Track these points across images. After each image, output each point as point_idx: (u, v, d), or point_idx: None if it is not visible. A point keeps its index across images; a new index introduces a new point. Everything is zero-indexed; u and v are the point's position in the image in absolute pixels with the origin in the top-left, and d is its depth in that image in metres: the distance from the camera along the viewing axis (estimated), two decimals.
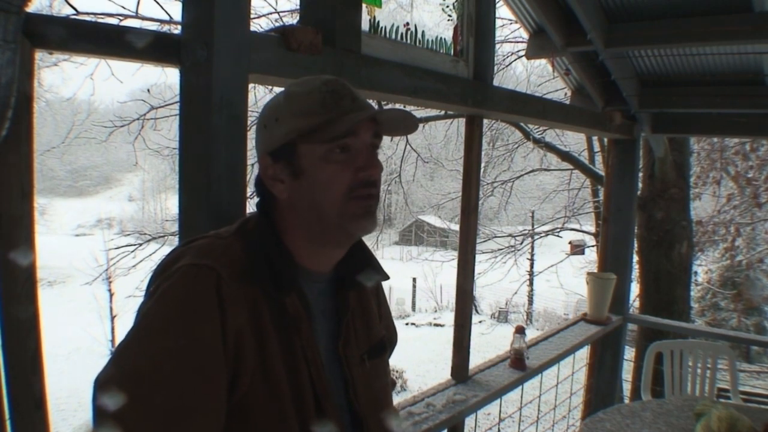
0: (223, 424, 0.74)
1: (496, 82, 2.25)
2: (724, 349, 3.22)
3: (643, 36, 2.45)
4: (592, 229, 8.80)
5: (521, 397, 2.61)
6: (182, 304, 0.75)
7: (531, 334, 2.68)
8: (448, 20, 1.95)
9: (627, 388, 4.65)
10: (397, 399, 1.16)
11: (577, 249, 12.06)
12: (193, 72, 1.15)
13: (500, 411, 2.76)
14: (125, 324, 0.79)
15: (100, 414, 0.69)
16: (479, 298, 16.34)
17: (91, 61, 5.08)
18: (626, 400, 4.54)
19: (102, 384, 0.70)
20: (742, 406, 2.41)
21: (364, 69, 1.55)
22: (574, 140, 8.70)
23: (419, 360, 11.75)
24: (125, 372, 0.71)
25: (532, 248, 14.76)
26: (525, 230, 9.91)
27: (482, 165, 4.07)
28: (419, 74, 1.75)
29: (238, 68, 1.18)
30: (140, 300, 0.80)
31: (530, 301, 17.65)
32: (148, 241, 6.85)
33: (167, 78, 6.61)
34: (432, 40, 1.86)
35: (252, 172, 2.28)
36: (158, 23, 4.80)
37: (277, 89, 0.92)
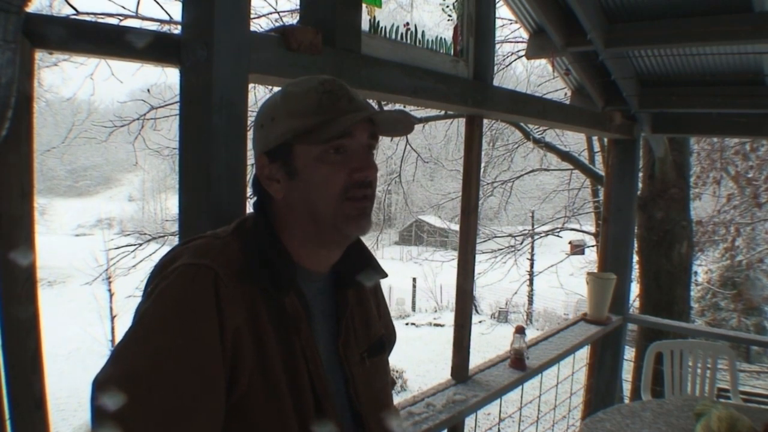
0: (222, 424, 0.74)
1: (496, 82, 2.25)
2: (724, 349, 3.22)
3: (643, 36, 2.45)
4: (592, 229, 8.80)
5: (521, 397, 2.61)
6: (180, 304, 0.75)
7: (531, 334, 2.68)
8: (448, 20, 1.95)
9: (627, 388, 4.65)
10: (397, 399, 1.16)
11: (577, 249, 12.05)
12: (193, 72, 1.15)
13: (500, 411, 2.76)
14: (125, 324, 0.79)
15: (99, 414, 0.69)
16: (479, 298, 16.34)
17: (91, 61, 5.08)
18: (626, 400, 4.54)
19: (101, 384, 0.70)
20: (742, 406, 2.41)
21: (364, 69, 1.55)
22: (574, 140, 8.70)
23: (419, 360, 11.76)
24: (124, 372, 0.71)
25: (532, 248, 14.76)
26: (525, 230, 9.92)
27: (482, 165, 4.07)
28: (419, 74, 1.75)
29: (238, 68, 1.18)
30: (139, 300, 0.80)
31: (530, 301, 17.65)
32: (148, 241, 6.86)
33: (167, 78, 6.63)
34: (432, 40, 1.86)
35: (252, 172, 2.27)
36: (158, 23, 4.80)
37: (277, 89, 0.93)
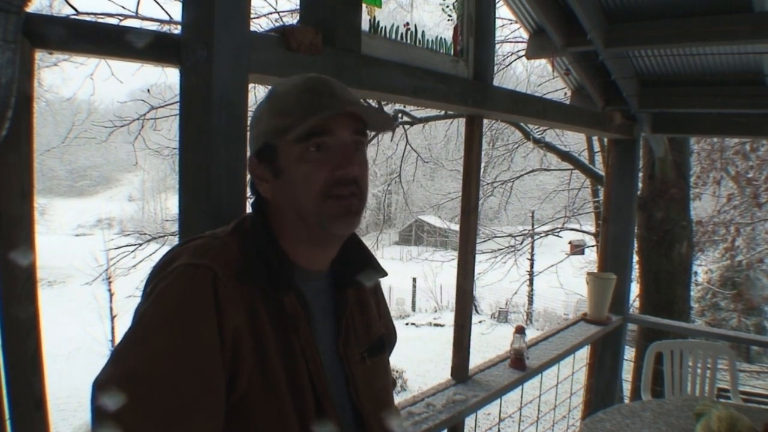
0: (222, 424, 0.74)
1: (496, 82, 2.25)
2: (724, 349, 3.22)
3: (643, 36, 2.45)
4: (592, 229, 8.80)
5: (521, 397, 2.61)
6: (179, 304, 0.75)
7: (531, 334, 2.68)
8: (448, 20, 1.95)
9: (627, 388, 4.65)
10: (397, 399, 1.15)
11: (577, 249, 12.05)
12: (193, 72, 1.15)
13: (500, 411, 2.76)
14: (125, 324, 0.79)
15: (99, 414, 0.69)
16: (479, 298, 16.33)
17: (91, 61, 5.08)
18: (626, 400, 4.54)
19: (100, 385, 0.70)
20: (742, 406, 2.41)
21: (364, 69, 1.55)
22: (574, 140, 8.70)
23: (419, 360, 11.75)
24: (123, 372, 0.71)
25: (532, 248, 14.75)
26: (525, 230, 9.92)
27: (482, 165, 4.06)
28: (419, 74, 1.75)
29: (238, 68, 1.18)
30: (139, 300, 0.80)
31: (530, 301, 17.64)
32: (148, 241, 6.87)
33: (167, 78, 6.63)
34: (432, 40, 1.86)
35: None
36: (158, 23, 4.80)
37: None
